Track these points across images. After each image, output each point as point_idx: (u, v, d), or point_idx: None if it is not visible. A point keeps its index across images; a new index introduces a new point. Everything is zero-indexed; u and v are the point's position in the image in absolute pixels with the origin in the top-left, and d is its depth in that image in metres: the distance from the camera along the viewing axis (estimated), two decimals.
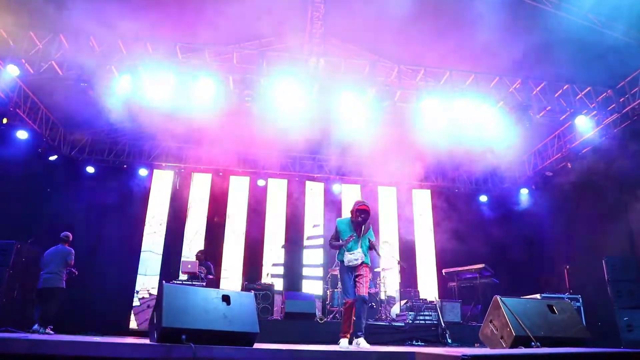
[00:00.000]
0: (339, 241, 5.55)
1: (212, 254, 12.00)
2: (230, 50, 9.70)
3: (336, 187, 13.49)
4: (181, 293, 3.18)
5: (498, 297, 3.54)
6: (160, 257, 12.12)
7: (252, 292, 3.45)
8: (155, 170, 12.85)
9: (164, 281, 3.10)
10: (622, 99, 9.88)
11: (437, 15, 9.30)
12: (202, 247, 11.87)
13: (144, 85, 9.21)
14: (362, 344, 4.90)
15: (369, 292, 9.17)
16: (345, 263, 5.39)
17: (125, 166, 12.59)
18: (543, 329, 2.97)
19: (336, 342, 5.27)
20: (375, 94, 9.74)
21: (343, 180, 13.54)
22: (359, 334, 5.18)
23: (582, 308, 8.38)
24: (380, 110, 9.94)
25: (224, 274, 12.14)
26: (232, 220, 12.80)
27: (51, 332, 7.58)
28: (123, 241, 11.91)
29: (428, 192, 13.76)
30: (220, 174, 13.06)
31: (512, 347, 3.21)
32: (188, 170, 12.98)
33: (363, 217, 5.47)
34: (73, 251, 8.32)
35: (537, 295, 7.64)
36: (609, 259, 8.77)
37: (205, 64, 9.42)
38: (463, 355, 2.01)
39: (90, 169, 12.25)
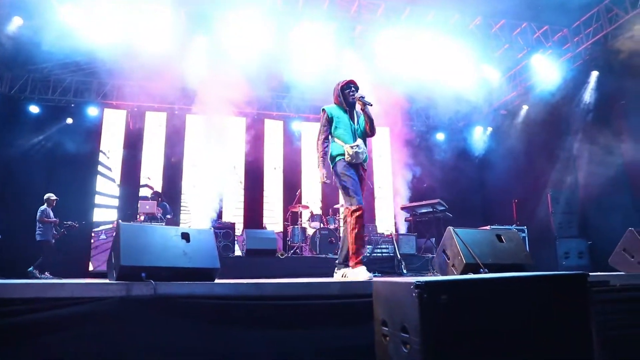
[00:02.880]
0: (332, 130, 4.31)
1: (170, 194, 11.86)
2: None
3: (295, 126, 13.37)
4: (139, 231, 3.14)
5: (451, 228, 3.71)
6: (116, 200, 11.82)
7: (211, 228, 3.45)
8: (106, 110, 12.23)
9: (120, 220, 3.04)
10: (577, 38, 10.07)
11: None
12: (159, 188, 11.66)
13: (89, 17, 8.54)
14: (351, 275, 3.88)
15: (328, 228, 9.50)
16: (347, 159, 4.14)
17: (72, 105, 11.88)
18: (491, 257, 3.17)
19: (301, 276, 4.80)
20: (335, 29, 9.48)
21: (302, 118, 13.40)
22: (347, 263, 4.12)
23: (527, 238, 8.97)
24: (339, 46, 9.71)
25: (185, 215, 12.05)
26: (190, 160, 12.54)
27: (49, 275, 8.76)
28: (75, 185, 11.40)
29: (387, 129, 13.87)
30: (176, 112, 12.60)
31: (462, 273, 3.42)
32: (142, 109, 12.43)
33: (353, 92, 4.33)
34: (41, 208, 9.13)
35: (488, 227, 8.08)
36: (553, 192, 9.33)
37: None
38: (417, 281, 2.11)
39: (34, 109, 11.50)
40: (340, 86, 4.37)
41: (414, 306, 2.12)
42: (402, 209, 10.37)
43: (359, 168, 4.23)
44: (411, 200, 11.91)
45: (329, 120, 4.32)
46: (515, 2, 9.34)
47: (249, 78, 10.22)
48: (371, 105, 4.24)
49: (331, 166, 4.31)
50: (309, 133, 13.54)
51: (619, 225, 5.74)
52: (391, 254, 8.63)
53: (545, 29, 10.34)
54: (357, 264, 3.85)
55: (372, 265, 8.31)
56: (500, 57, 11.08)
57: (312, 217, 9.89)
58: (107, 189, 11.81)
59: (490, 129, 13.11)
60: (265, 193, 12.81)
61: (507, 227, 8.62)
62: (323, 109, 4.39)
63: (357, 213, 3.96)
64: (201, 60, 10.27)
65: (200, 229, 3.32)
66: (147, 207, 9.25)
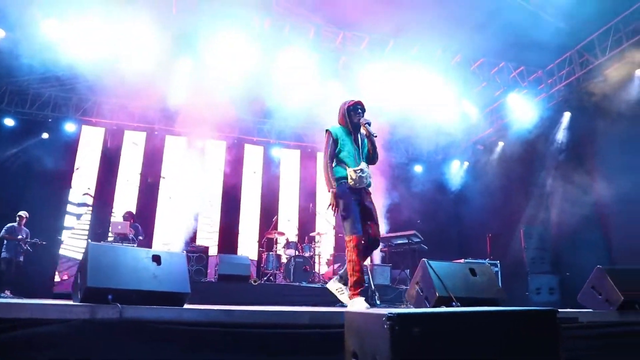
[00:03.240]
0: (336, 152, 4.03)
1: (144, 215, 11.64)
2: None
3: (275, 152, 13.39)
4: (108, 252, 3.05)
5: (425, 260, 3.72)
6: (88, 218, 11.51)
7: (184, 252, 3.38)
8: (84, 126, 12.03)
9: (89, 240, 2.96)
10: (551, 80, 10.47)
11: None
12: (134, 208, 11.44)
13: (73, 32, 8.50)
14: (360, 305, 3.63)
15: (303, 256, 9.41)
16: (350, 182, 3.88)
17: (50, 120, 11.66)
18: (464, 290, 3.18)
19: (274, 304, 4.78)
20: (320, 58, 9.65)
21: (283, 145, 13.44)
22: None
23: (499, 272, 9.05)
24: (323, 76, 9.88)
25: (158, 237, 11.80)
26: (167, 181, 12.37)
27: (9, 294, 8.11)
28: (47, 201, 11.06)
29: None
30: (156, 133, 12.50)
31: (435, 306, 3.41)
32: (121, 128, 12.28)
33: (359, 113, 4.11)
34: (8, 225, 8.92)
35: (462, 260, 8.13)
36: (526, 228, 9.50)
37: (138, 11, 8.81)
38: (389, 313, 2.09)
39: (9, 122, 11.23)
40: (347, 106, 4.12)
41: (385, 338, 2.10)
42: None
43: (362, 192, 3.96)
44: (387, 231, 11.93)
45: (335, 142, 4.04)
46: (493, 42, 9.68)
47: (231, 101, 10.27)
48: (375, 136, 4.06)
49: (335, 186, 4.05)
50: (288, 160, 13.57)
51: (589, 263, 5.84)
52: (365, 285, 8.55)
53: (521, 69, 10.74)
54: (354, 295, 3.70)
55: None
56: (478, 94, 11.42)
57: (288, 245, 9.80)
58: (79, 207, 11.50)
59: (467, 164, 13.37)
60: (241, 218, 12.68)
61: (480, 260, 8.69)
62: (327, 130, 4.10)
63: (352, 243, 3.74)
64: (184, 81, 10.30)
65: (172, 251, 3.26)
66: (120, 227, 9.04)
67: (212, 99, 10.05)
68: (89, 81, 10.25)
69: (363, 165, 3.98)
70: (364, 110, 4.16)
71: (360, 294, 3.68)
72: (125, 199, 11.88)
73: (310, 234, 10.55)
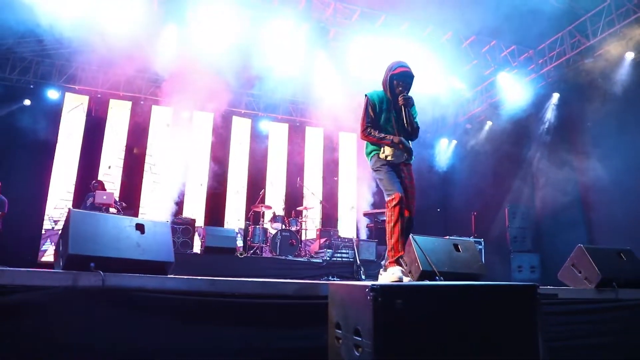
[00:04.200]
0: (377, 125, 3.56)
1: (130, 186, 11.55)
2: None
3: (264, 125, 13.27)
4: (90, 220, 3.00)
5: (410, 235, 3.74)
6: (72, 188, 11.32)
7: (168, 221, 3.35)
8: (67, 94, 11.73)
9: (70, 207, 2.91)
10: (541, 60, 10.44)
11: None
12: (119, 179, 11.33)
13: None
14: (390, 276, 3.20)
15: (290, 230, 9.43)
16: (381, 156, 3.50)
17: (31, 86, 11.35)
18: (447, 265, 3.23)
19: (259, 277, 4.37)
20: (309, 29, 9.48)
21: (271, 118, 13.31)
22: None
23: (483, 250, 9.20)
24: (313, 48, 9.73)
25: (144, 208, 11.70)
26: (153, 152, 12.21)
27: None
28: (29, 170, 10.88)
29: (354, 135, 13.95)
30: (142, 102, 12.26)
31: (418, 280, 3.45)
32: (106, 96, 12.01)
33: (404, 85, 3.52)
34: None
35: (447, 237, 8.23)
36: (510, 207, 9.64)
37: None
38: (373, 285, 2.10)
39: None
40: (390, 73, 3.54)
41: (368, 309, 2.12)
42: (365, 215, 10.45)
43: (399, 167, 3.56)
44: (374, 207, 12.01)
45: (373, 108, 3.57)
46: (485, 20, 9.58)
47: (219, 72, 10.08)
48: (416, 121, 3.64)
49: (368, 161, 3.70)
50: (276, 133, 13.46)
51: (570, 242, 5.95)
52: (351, 260, 8.65)
53: (512, 48, 10.67)
54: (391, 262, 3.27)
55: (331, 269, 8.33)
56: (468, 72, 11.36)
57: (274, 218, 9.81)
58: (63, 177, 11.31)
59: (455, 142, 13.40)
60: (228, 191, 12.63)
61: (464, 238, 8.81)
62: (366, 95, 3.63)
63: (393, 203, 3.31)
64: (171, 50, 10.05)
65: (156, 220, 3.22)
66: (104, 197, 8.92)
67: (200, 69, 9.86)
68: (73, 46, 9.95)
69: (401, 138, 3.49)
70: (411, 80, 3.58)
71: (397, 263, 3.24)
72: (110, 170, 11.72)
73: (297, 208, 10.57)
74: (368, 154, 3.66)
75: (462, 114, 12.89)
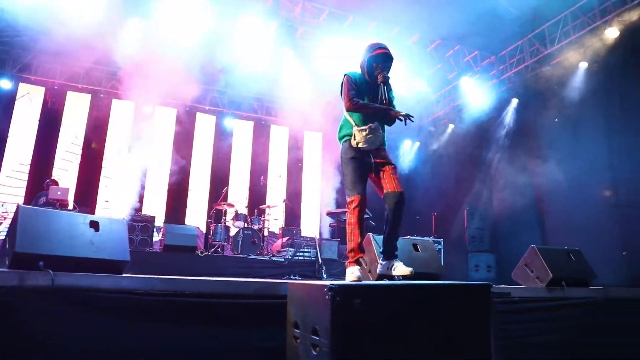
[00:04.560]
0: (359, 97, 3.39)
1: (87, 181, 11.18)
2: None
3: (228, 122, 13.10)
4: (41, 216, 2.87)
5: (370, 235, 3.78)
6: (24, 184, 10.81)
7: (125, 219, 3.25)
8: (21, 84, 11.20)
9: (19, 204, 2.78)
10: (502, 66, 10.77)
11: None
12: (75, 175, 10.93)
13: None
14: (399, 269, 3.24)
15: (252, 228, 9.35)
16: (353, 143, 3.33)
17: None
18: (406, 265, 3.28)
19: (220, 276, 4.39)
20: (277, 27, 9.43)
21: (236, 115, 13.15)
22: (395, 252, 3.41)
23: (442, 250, 9.41)
24: (281, 46, 9.68)
25: (102, 205, 11.33)
26: (113, 147, 11.84)
27: None
28: None
29: (320, 135, 13.99)
30: (102, 95, 11.87)
31: (377, 279, 3.49)
32: (63, 88, 11.54)
33: (382, 67, 3.42)
34: None
35: (407, 237, 8.36)
36: (469, 208, 9.90)
37: None
38: (331, 284, 2.11)
39: None
40: (370, 54, 3.46)
41: (326, 308, 2.13)
42: (328, 214, 10.48)
43: (372, 153, 3.38)
44: (336, 206, 12.07)
45: (355, 83, 3.44)
46: (451, 25, 9.80)
47: (183, 67, 9.87)
48: (391, 100, 3.48)
49: (339, 145, 3.54)
50: (241, 131, 13.32)
51: (525, 242, 6.18)
52: (313, 259, 8.67)
53: (475, 53, 10.97)
54: (350, 263, 3.24)
55: (293, 268, 8.32)
56: (433, 75, 11.59)
57: (237, 216, 9.71)
58: (14, 173, 10.79)
59: (418, 144, 13.64)
60: (190, 188, 12.41)
61: (424, 238, 8.98)
62: (346, 74, 3.51)
63: (353, 205, 3.28)
64: (134, 43, 9.76)
65: (111, 218, 3.12)
66: (59, 193, 8.57)
67: (163, 63, 9.62)
68: (29, 34, 9.51)
69: (373, 125, 3.32)
70: (390, 62, 3.49)
71: (357, 263, 3.22)
72: (66, 165, 11.29)
73: (261, 207, 10.50)
74: (340, 138, 3.51)
75: (425, 116, 13.14)
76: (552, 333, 4.09)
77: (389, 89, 3.48)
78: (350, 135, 3.36)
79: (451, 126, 12.36)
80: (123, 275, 2.88)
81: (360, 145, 3.29)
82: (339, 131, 3.52)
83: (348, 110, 3.42)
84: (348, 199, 3.34)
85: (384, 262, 3.39)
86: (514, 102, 10.48)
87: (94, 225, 2.95)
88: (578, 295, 4.42)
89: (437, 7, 9.26)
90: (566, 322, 4.18)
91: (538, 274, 4.54)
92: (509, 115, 10.59)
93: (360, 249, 3.27)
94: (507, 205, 9.92)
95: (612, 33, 8.18)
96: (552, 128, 9.19)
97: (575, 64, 8.98)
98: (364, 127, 3.29)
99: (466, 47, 10.96)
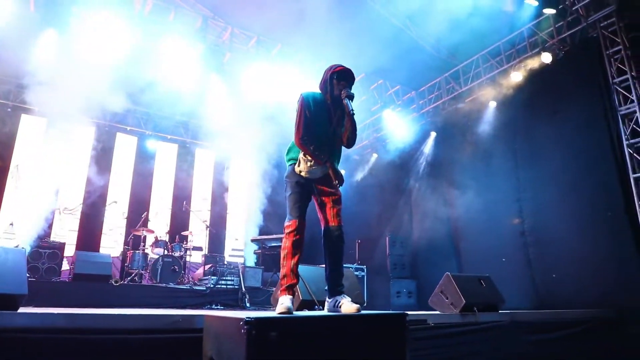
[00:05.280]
0: (310, 127, 3.28)
1: None
2: None
3: (151, 144, 12.58)
4: None
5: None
6: None
7: (24, 248, 2.98)
8: None
9: None
10: (422, 101, 11.42)
11: None
12: None
13: None
14: (345, 306, 2.98)
15: (172, 255, 8.94)
16: (297, 170, 3.28)
17: None
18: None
19: (136, 307, 4.27)
20: (204, 50, 9.34)
21: (159, 137, 12.70)
22: (339, 288, 3.21)
23: (365, 277, 9.58)
24: (207, 69, 9.58)
25: (5, 228, 10.31)
26: (19, 166, 10.89)
27: None
28: None
29: (246, 161, 13.83)
30: (9, 110, 10.95)
31: (298, 309, 3.46)
32: None
33: (345, 83, 3.36)
34: None
35: None
36: (391, 236, 10.23)
37: None
38: (247, 317, 2.06)
39: None
40: (331, 72, 3.38)
41: (242, 342, 2.07)
42: (253, 241, 10.34)
43: (313, 185, 3.35)
44: (261, 233, 11.94)
45: (308, 107, 3.31)
46: (375, 60, 10.24)
47: (102, 84, 9.40)
48: (353, 113, 3.38)
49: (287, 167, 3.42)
50: (164, 153, 12.86)
51: (443, 268, 6.50)
52: (236, 287, 8.45)
53: (397, 88, 11.56)
54: (282, 291, 3.08)
55: (216, 297, 8.05)
56: (357, 107, 11.95)
57: (156, 243, 9.26)
58: None
59: (343, 171, 13.92)
60: (106, 213, 11.67)
61: (348, 265, 9.11)
62: (301, 95, 3.37)
63: (289, 229, 3.24)
64: (48, 56, 9.17)
65: (6, 247, 2.84)
66: None
67: (80, 79, 9.11)
68: None
69: (323, 154, 3.27)
70: (352, 80, 3.45)
71: (288, 291, 3.06)
72: None
73: (182, 233, 10.12)
74: (287, 160, 3.43)
75: None
76: (466, 356, 4.28)
77: (350, 110, 3.38)
78: (296, 160, 3.31)
79: (375, 155, 12.80)
80: (18, 311, 2.61)
81: (302, 173, 3.25)
82: (287, 152, 3.43)
83: (295, 144, 3.33)
84: (286, 222, 3.27)
85: (329, 300, 3.22)
86: (433, 135, 11.09)
87: None
88: (489, 319, 4.68)
89: (362, 42, 9.67)
90: (479, 346, 4.40)
91: (452, 300, 4.76)
92: (428, 147, 11.17)
93: (293, 275, 3.14)
94: (426, 233, 10.36)
95: (517, 76, 9.00)
96: (467, 161, 9.81)
97: (486, 102, 9.72)
98: (308, 158, 3.23)
99: (389, 81, 11.52)
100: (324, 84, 3.42)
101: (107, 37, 8.71)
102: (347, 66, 3.42)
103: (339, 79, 3.35)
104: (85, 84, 9.32)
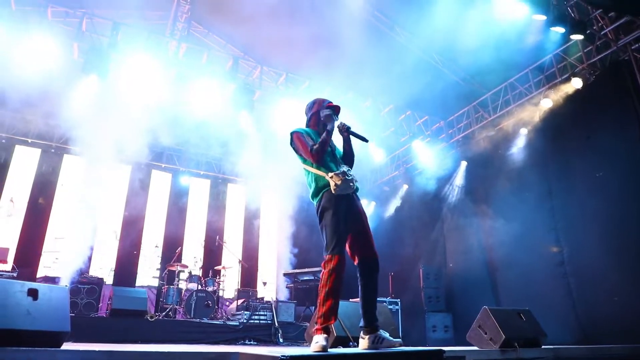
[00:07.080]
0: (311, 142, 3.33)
1: (32, 240, 10.58)
2: (80, 15, 8.69)
3: (184, 180, 12.94)
4: None
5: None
6: None
7: (67, 286, 3.08)
8: None
9: None
10: (451, 130, 11.37)
11: (306, 23, 9.56)
12: (17, 232, 10.33)
13: None
14: (387, 342, 2.97)
15: (206, 290, 9.00)
16: (333, 189, 3.15)
17: None
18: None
19: (170, 342, 4.27)
20: (235, 89, 9.63)
21: (192, 173, 13.05)
22: (377, 323, 3.13)
23: (399, 311, 9.36)
24: (238, 107, 9.85)
25: (45, 266, 10.67)
26: (61, 204, 11.36)
27: None
28: None
29: (277, 195, 13.98)
30: (53, 150, 11.53)
31: (332, 346, 3.42)
32: (11, 142, 11.14)
33: (333, 118, 3.46)
34: None
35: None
36: (425, 268, 10.01)
37: (47, 24, 8.28)
38: (282, 355, 2.06)
39: None
40: (326, 106, 3.53)
41: None
42: (285, 275, 10.32)
43: (351, 199, 3.27)
44: (294, 267, 11.92)
45: (308, 136, 3.39)
46: (401, 92, 10.34)
47: (140, 125, 9.83)
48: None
49: (315, 203, 3.35)
50: (197, 189, 13.17)
51: (479, 301, 6.29)
52: (269, 322, 8.41)
53: (425, 118, 11.57)
54: (318, 330, 2.85)
55: (249, 332, 8.03)
56: (386, 138, 12.05)
57: (190, 278, 9.37)
58: None
59: (374, 203, 13.89)
60: (142, 248, 11.94)
61: (381, 299, 8.94)
62: (295, 132, 3.46)
63: (330, 266, 3.04)
64: (89, 100, 9.66)
65: (52, 285, 2.95)
66: None
67: (119, 121, 9.55)
68: None
69: (346, 168, 3.26)
70: (338, 114, 3.56)
71: (324, 331, 2.84)
72: (7, 222, 10.68)
73: (215, 268, 10.21)
74: (316, 193, 3.30)
75: (379, 176, 13.50)
76: None
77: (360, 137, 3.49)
78: (328, 186, 3.20)
79: (405, 186, 12.71)
80: (60, 348, 2.69)
81: (342, 191, 3.15)
82: (313, 187, 3.32)
83: (315, 161, 3.27)
84: (327, 256, 3.09)
85: (367, 336, 3.05)
86: (464, 164, 10.97)
87: (33, 293, 2.78)
88: (531, 355, 4.47)
89: (389, 76, 9.81)
90: None
91: (491, 335, 4.58)
92: (460, 177, 11.03)
93: (331, 316, 2.94)
94: (460, 265, 10.12)
95: (547, 103, 8.88)
96: (499, 189, 9.62)
97: (517, 129, 9.59)
98: (339, 171, 3.19)
99: (417, 111, 11.55)
100: (316, 119, 3.56)
101: (144, 80, 9.12)
102: (332, 102, 3.58)
103: (332, 116, 3.45)
104: (124, 125, 9.77)
